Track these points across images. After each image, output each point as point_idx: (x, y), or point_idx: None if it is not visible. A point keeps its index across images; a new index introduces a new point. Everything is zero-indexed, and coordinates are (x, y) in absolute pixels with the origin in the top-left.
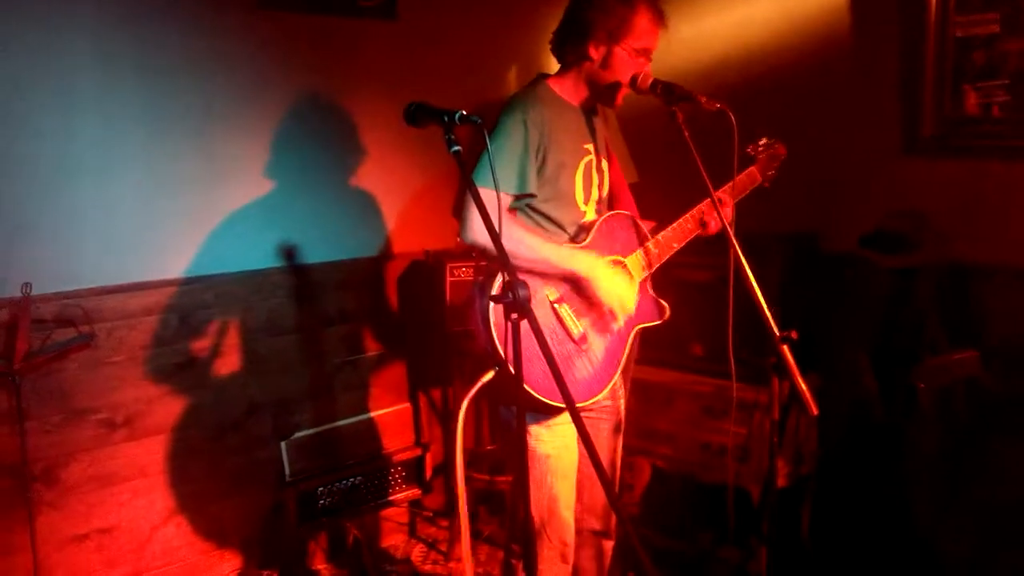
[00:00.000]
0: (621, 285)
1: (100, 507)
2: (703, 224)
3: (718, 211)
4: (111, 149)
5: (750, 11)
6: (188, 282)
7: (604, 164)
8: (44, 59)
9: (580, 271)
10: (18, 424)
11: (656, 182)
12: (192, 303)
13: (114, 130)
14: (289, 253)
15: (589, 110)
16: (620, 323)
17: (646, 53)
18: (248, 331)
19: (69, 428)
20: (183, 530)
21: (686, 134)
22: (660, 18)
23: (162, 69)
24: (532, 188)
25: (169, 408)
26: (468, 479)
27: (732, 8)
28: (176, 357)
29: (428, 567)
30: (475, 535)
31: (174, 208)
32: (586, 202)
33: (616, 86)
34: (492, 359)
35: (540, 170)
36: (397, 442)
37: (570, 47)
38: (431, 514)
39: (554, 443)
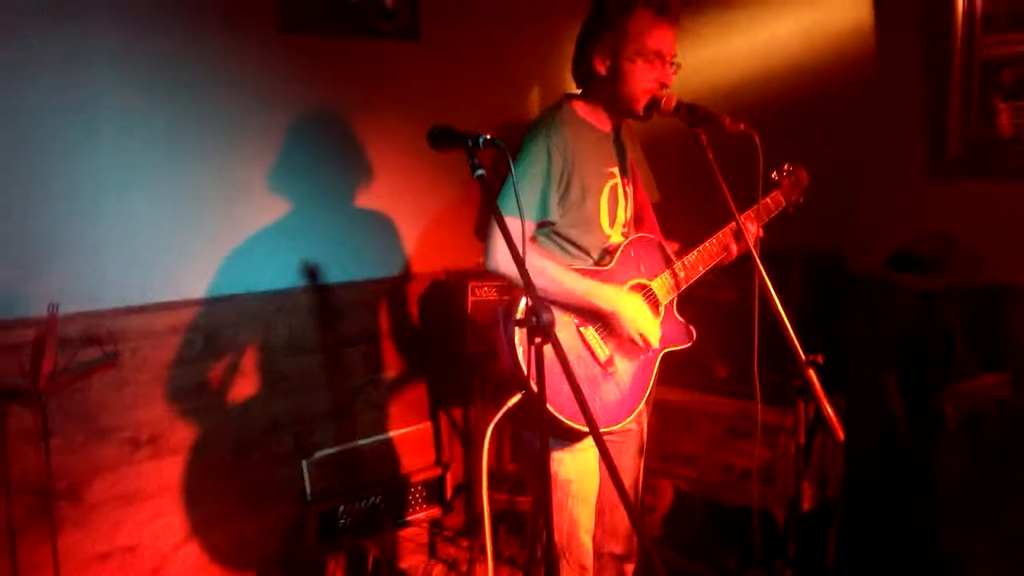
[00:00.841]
0: (644, 318)
1: (123, 525)
2: (726, 249)
3: (744, 236)
4: (135, 170)
5: (774, 32)
6: (212, 302)
7: (628, 186)
8: (68, 82)
9: (602, 306)
10: (43, 442)
11: (678, 203)
12: (216, 322)
13: (137, 151)
14: (311, 273)
15: (613, 130)
16: (647, 351)
17: (660, 56)
18: (270, 350)
19: (93, 446)
20: (204, 548)
21: (710, 156)
22: (663, 15)
23: (184, 91)
24: (553, 216)
25: (192, 427)
26: (489, 499)
27: (756, 30)
28: (199, 376)
29: None
30: (495, 556)
31: (197, 228)
32: (611, 225)
33: (633, 98)
34: (517, 383)
35: (564, 196)
36: (417, 462)
37: (581, 66)
38: (451, 534)
39: (576, 468)
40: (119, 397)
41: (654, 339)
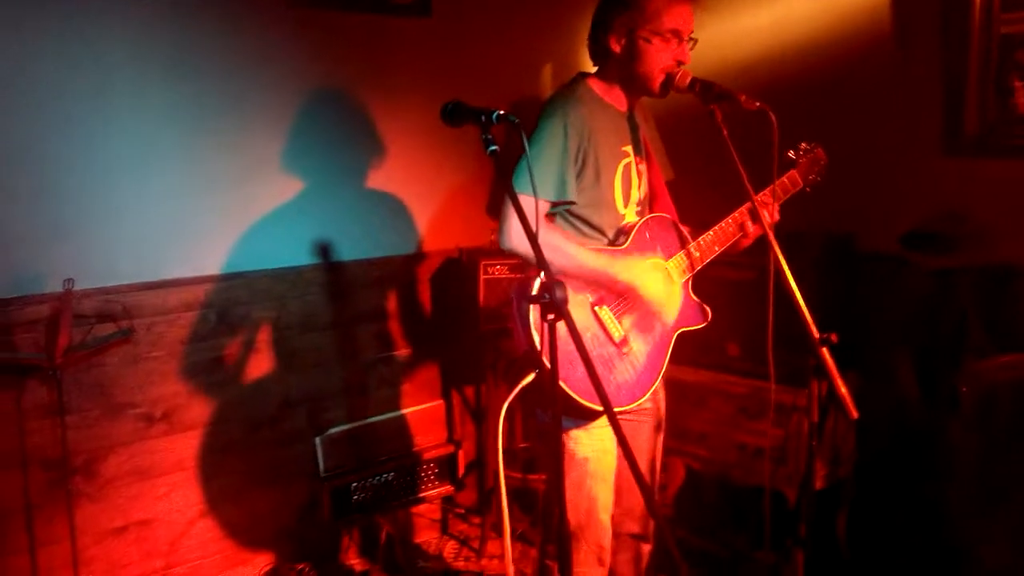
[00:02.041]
0: (662, 291)
1: (138, 500)
2: (743, 230)
3: (760, 217)
4: (148, 147)
5: (787, 8)
6: (225, 278)
7: (643, 165)
8: (81, 60)
9: (619, 279)
10: (59, 417)
11: (692, 182)
12: (229, 299)
13: (150, 128)
14: (324, 250)
15: (628, 109)
16: (666, 323)
17: (677, 35)
18: (283, 327)
19: (108, 422)
20: (218, 523)
21: (725, 133)
22: None
23: (196, 68)
24: (571, 195)
25: (206, 403)
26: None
27: (769, 5)
28: (213, 352)
29: (460, 564)
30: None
31: (211, 205)
32: (625, 204)
33: (649, 77)
34: (531, 362)
35: (579, 175)
36: (430, 439)
37: (596, 45)
38: (463, 511)
39: (593, 446)
40: (134, 373)
41: (672, 309)
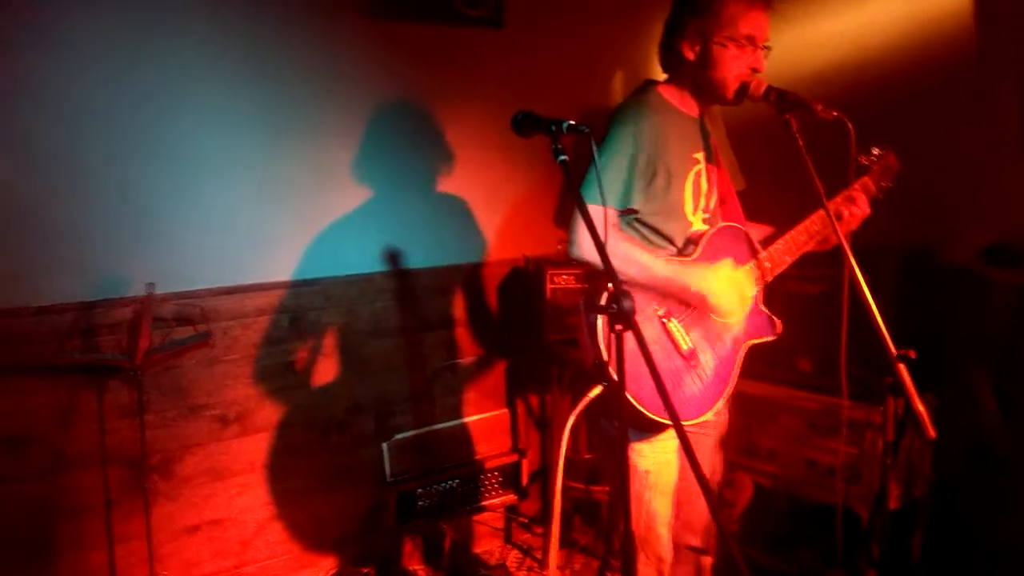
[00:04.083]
0: (732, 302)
1: (212, 499)
2: (814, 238)
3: (834, 226)
4: (229, 156)
5: (866, 14)
6: (299, 284)
7: (713, 172)
8: (169, 72)
9: (690, 288)
10: (138, 417)
11: (762, 190)
12: (302, 305)
13: (230, 138)
14: (393, 258)
15: (699, 116)
16: (735, 331)
17: (752, 41)
18: (353, 333)
19: (185, 423)
20: (287, 525)
21: (800, 143)
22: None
23: (275, 78)
24: (637, 204)
25: (277, 406)
26: (564, 488)
27: (848, 12)
28: (285, 357)
29: (523, 574)
30: (570, 544)
31: (286, 212)
32: (694, 212)
33: (723, 84)
34: (599, 374)
35: (649, 183)
36: (494, 447)
37: (668, 52)
38: (526, 520)
39: (655, 459)
40: (209, 375)
41: (741, 323)
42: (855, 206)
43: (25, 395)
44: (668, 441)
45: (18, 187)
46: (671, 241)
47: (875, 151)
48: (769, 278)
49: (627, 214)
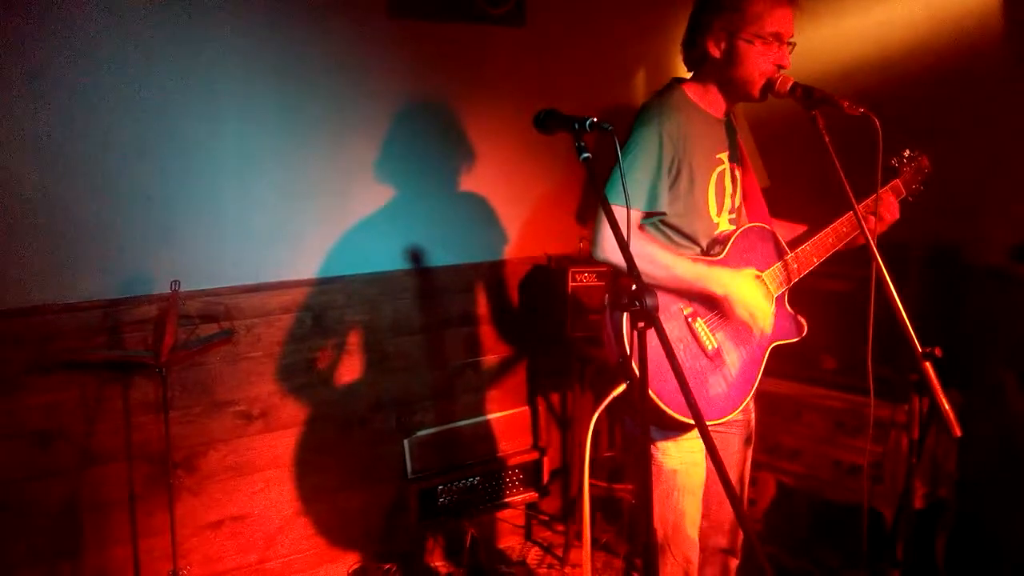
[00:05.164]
0: (757, 300)
1: (235, 495)
2: (842, 239)
3: (863, 228)
4: (252, 154)
5: (892, 10)
6: (322, 282)
7: (738, 171)
8: (192, 70)
9: (715, 289)
10: (163, 413)
11: (787, 189)
12: (325, 302)
13: (254, 136)
14: (415, 256)
15: (725, 114)
16: (757, 337)
17: (778, 38)
18: (375, 331)
19: (209, 419)
20: (310, 520)
21: (827, 140)
22: None
23: (299, 77)
24: (663, 206)
25: (300, 402)
26: (590, 486)
27: (873, 7)
28: (308, 354)
29: (543, 571)
30: (592, 542)
31: (309, 211)
32: (719, 213)
33: (749, 81)
34: (623, 373)
35: (673, 184)
36: (515, 445)
37: (692, 49)
38: (547, 518)
39: (682, 458)
40: (233, 372)
41: (767, 323)
42: (885, 209)
43: (52, 391)
44: (695, 440)
45: (45, 186)
46: (695, 242)
47: (907, 153)
48: (795, 279)
49: (651, 216)
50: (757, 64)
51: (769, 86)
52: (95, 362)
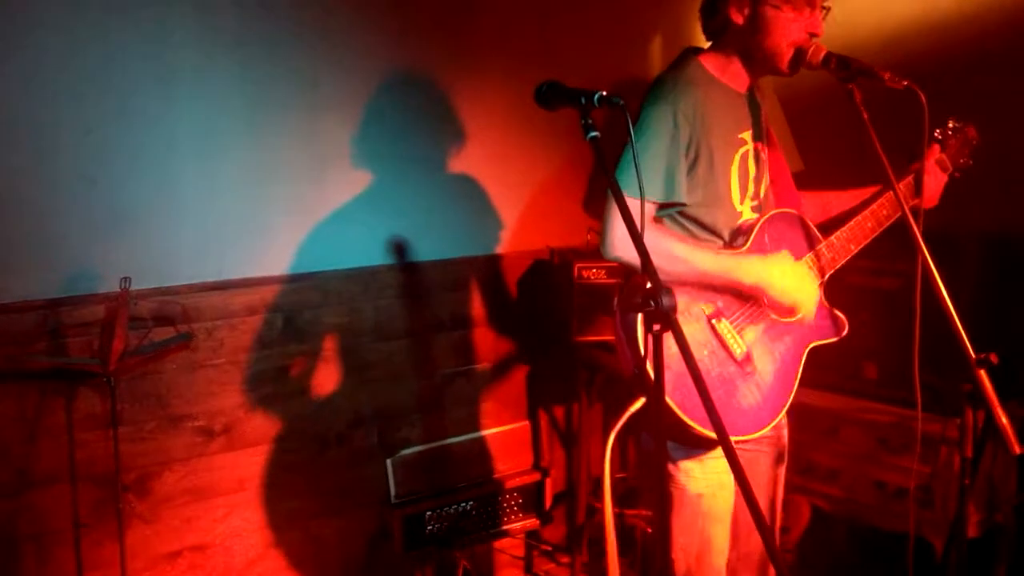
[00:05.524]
0: (801, 284)
1: (194, 522)
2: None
3: (902, 206)
4: (211, 134)
5: None
6: (294, 280)
7: (763, 152)
8: (141, 39)
9: (745, 281)
10: (112, 429)
11: (820, 170)
12: (297, 302)
13: (214, 113)
14: (400, 249)
15: (748, 89)
16: (805, 322)
17: (810, 3)
18: (355, 335)
19: (164, 435)
20: (280, 551)
21: (865, 116)
22: None
23: (264, 46)
24: (681, 196)
25: (270, 417)
26: (598, 511)
27: None
28: (278, 361)
29: None
30: (601, 574)
31: (279, 198)
32: (742, 200)
33: (776, 52)
34: (640, 384)
35: (690, 169)
36: (513, 465)
37: (712, 15)
38: (550, 548)
39: (707, 481)
40: (192, 382)
41: (808, 317)
42: (929, 187)
43: None
44: (721, 460)
45: None
46: (717, 234)
47: (951, 123)
48: (830, 270)
49: (669, 207)
50: (786, 32)
51: (800, 57)
52: (34, 371)
